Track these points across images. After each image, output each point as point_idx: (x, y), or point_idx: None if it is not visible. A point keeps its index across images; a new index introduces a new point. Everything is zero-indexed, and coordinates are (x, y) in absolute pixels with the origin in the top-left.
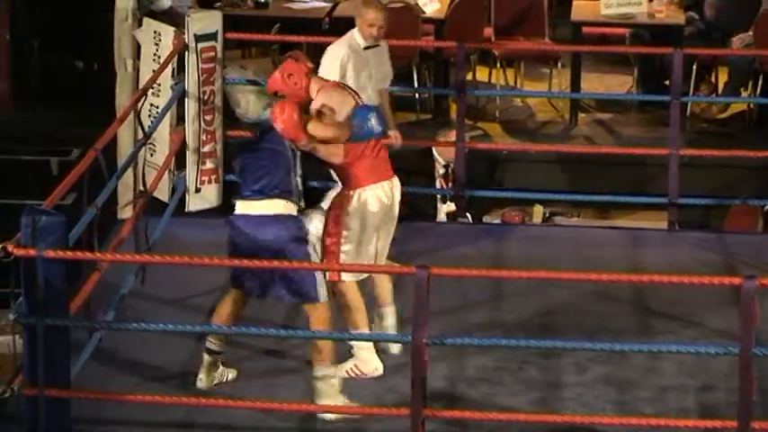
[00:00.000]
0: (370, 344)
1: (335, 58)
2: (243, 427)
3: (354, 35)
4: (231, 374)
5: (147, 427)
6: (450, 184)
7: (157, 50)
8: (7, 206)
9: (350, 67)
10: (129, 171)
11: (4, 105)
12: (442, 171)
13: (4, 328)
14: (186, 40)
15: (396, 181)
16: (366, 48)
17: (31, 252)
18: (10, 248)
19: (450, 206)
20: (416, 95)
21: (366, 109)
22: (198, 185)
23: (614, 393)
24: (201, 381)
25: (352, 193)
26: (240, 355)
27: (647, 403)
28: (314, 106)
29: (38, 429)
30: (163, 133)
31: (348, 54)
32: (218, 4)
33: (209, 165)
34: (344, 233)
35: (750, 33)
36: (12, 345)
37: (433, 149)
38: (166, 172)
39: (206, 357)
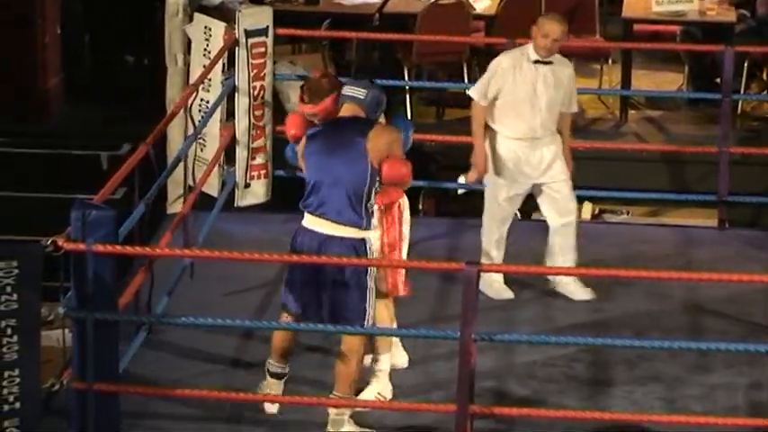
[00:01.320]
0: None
1: (492, 66)
2: (290, 422)
3: (528, 47)
4: None
5: (194, 422)
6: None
7: (208, 46)
8: (58, 200)
9: (508, 77)
10: (179, 166)
11: (55, 101)
12: None
13: (53, 321)
14: (237, 36)
15: None
16: (537, 62)
17: (81, 246)
18: (60, 242)
19: None
20: (466, 92)
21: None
22: (247, 181)
23: (663, 391)
24: (270, 406)
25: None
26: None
27: (696, 401)
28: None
29: (86, 423)
30: (213, 128)
31: (509, 64)
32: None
33: (258, 160)
34: (404, 246)
35: None
36: (61, 338)
37: None
38: (216, 167)
39: (271, 381)
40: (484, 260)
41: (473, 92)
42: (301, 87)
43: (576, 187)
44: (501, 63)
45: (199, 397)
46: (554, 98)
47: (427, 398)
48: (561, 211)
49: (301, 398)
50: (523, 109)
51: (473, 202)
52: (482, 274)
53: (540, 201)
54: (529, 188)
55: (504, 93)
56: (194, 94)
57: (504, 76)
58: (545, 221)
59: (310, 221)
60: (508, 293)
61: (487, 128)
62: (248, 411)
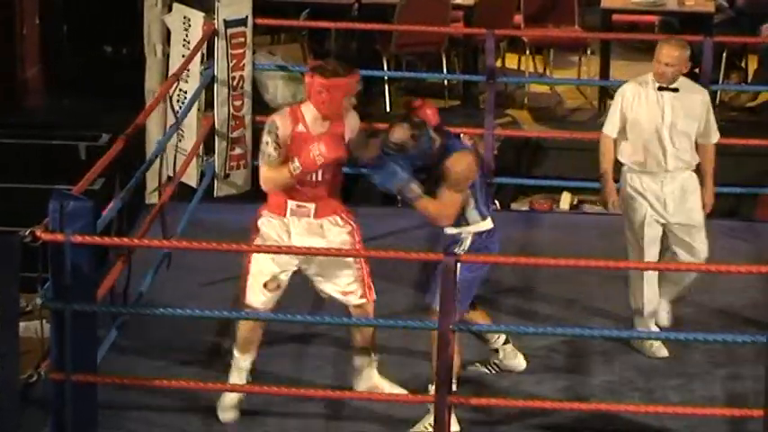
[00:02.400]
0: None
1: (617, 95)
2: (269, 411)
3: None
4: None
5: (172, 412)
6: None
7: (187, 36)
8: (36, 191)
9: (633, 104)
10: (159, 157)
11: (34, 92)
12: None
13: (31, 312)
14: (216, 26)
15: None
16: (661, 88)
17: (59, 237)
18: (38, 233)
19: None
20: (445, 82)
21: None
22: (227, 171)
23: (641, 381)
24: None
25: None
26: (265, 341)
27: (673, 391)
28: None
29: (64, 414)
30: (192, 119)
31: (633, 92)
32: None
33: (237, 150)
34: None
35: None
36: (39, 329)
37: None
38: (195, 157)
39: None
40: (637, 321)
41: (605, 125)
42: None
43: (555, 177)
44: (625, 91)
45: (177, 387)
46: (684, 127)
47: (408, 389)
48: (689, 255)
49: (279, 389)
50: (649, 140)
51: None
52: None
53: (671, 241)
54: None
55: (629, 123)
56: (174, 85)
57: (628, 104)
58: (526, 212)
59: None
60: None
61: (617, 162)
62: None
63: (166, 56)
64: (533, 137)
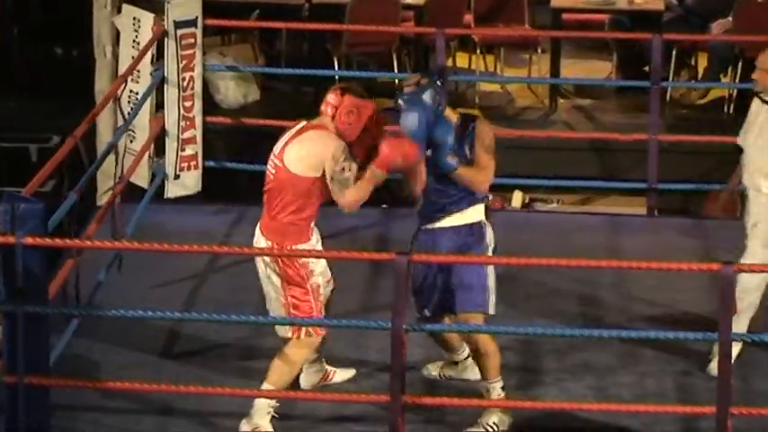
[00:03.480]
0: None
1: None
2: (220, 413)
3: None
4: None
5: (125, 414)
6: None
7: (137, 37)
8: None
9: (752, 118)
10: (109, 158)
11: None
12: None
13: None
14: (165, 27)
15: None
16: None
17: (10, 239)
18: None
19: None
20: (397, 82)
21: None
22: (177, 172)
23: (594, 379)
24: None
25: None
26: (216, 344)
27: (626, 389)
28: None
29: (17, 416)
30: (142, 120)
31: (757, 104)
32: None
33: (188, 151)
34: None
35: (730, 19)
36: None
37: None
38: (146, 158)
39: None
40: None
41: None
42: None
43: (506, 176)
44: (752, 102)
45: (129, 389)
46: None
47: (361, 389)
48: None
49: (232, 389)
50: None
51: (401, 193)
52: None
53: None
54: None
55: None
56: (123, 86)
57: (751, 116)
58: (519, 212)
59: None
60: None
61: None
62: (177, 403)
63: (116, 57)
64: None
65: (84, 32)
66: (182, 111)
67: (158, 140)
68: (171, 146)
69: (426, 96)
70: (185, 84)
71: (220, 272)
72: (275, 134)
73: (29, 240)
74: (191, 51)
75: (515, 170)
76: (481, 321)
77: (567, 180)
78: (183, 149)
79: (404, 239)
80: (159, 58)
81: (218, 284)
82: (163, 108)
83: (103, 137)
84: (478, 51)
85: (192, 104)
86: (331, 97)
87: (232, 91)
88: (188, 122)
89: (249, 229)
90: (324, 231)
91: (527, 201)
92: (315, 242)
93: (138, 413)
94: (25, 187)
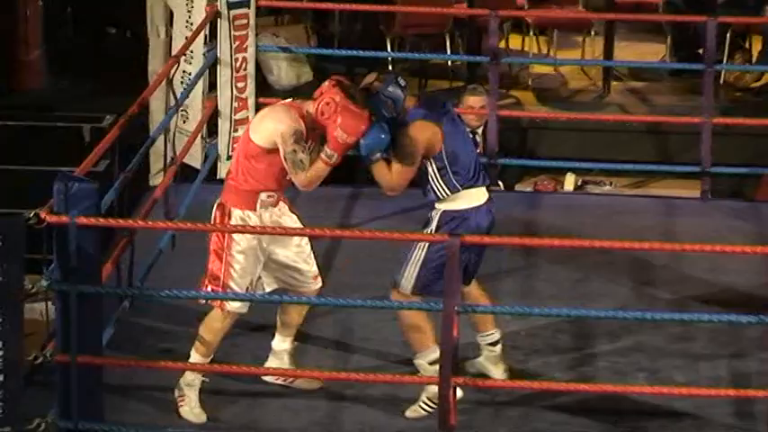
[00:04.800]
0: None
1: None
2: (270, 392)
3: None
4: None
5: None
6: (477, 150)
7: (190, 17)
8: (40, 173)
9: None
10: (161, 138)
11: (37, 74)
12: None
13: (36, 294)
14: (219, 7)
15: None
16: None
17: (64, 219)
18: (43, 215)
19: None
20: (449, 63)
21: None
22: (230, 153)
23: (646, 362)
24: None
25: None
26: (268, 324)
27: (679, 372)
28: None
29: (70, 396)
30: (195, 100)
31: None
32: None
33: (241, 132)
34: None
35: None
36: (44, 311)
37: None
38: (198, 139)
39: None
40: None
41: None
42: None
43: (559, 158)
44: None
45: (181, 369)
46: None
47: (412, 370)
48: None
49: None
50: None
51: None
52: None
53: None
54: None
55: None
56: (176, 66)
57: None
58: (530, 193)
59: (480, 195)
60: None
61: None
62: (228, 383)
63: (169, 37)
64: (537, 117)
65: (137, 13)
66: (234, 91)
67: (211, 121)
68: (223, 126)
69: (381, 106)
70: (238, 64)
71: None
72: None
73: (82, 220)
74: (244, 32)
75: (568, 152)
76: (399, 297)
77: (619, 163)
78: (235, 130)
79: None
80: (212, 38)
81: None
82: (215, 89)
83: (156, 117)
84: (531, 33)
85: (245, 85)
86: (325, 84)
87: (285, 72)
88: (241, 103)
89: (306, 209)
90: (372, 212)
91: (580, 183)
92: (262, 217)
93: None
94: (78, 167)
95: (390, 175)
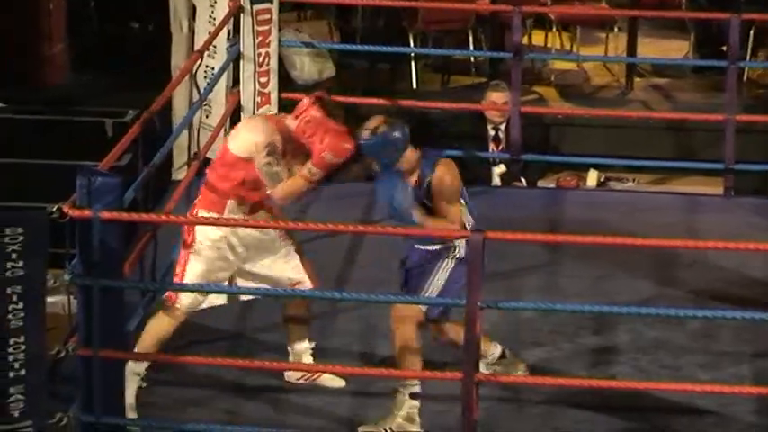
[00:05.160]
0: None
1: None
2: (293, 389)
3: None
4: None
5: (200, 388)
6: (500, 147)
7: (213, 12)
8: (63, 167)
9: None
10: (185, 133)
11: (60, 68)
12: (492, 133)
13: (58, 288)
14: (241, 2)
15: None
16: None
17: (87, 213)
18: (65, 209)
19: (502, 167)
20: (472, 59)
21: None
22: None
23: (669, 359)
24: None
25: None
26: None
27: (701, 369)
28: None
29: (92, 390)
30: (218, 95)
31: None
32: None
33: None
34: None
35: None
36: (66, 305)
37: (485, 112)
38: (221, 133)
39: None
40: None
41: None
42: None
43: (581, 155)
44: None
45: (203, 364)
46: None
47: (435, 366)
48: None
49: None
50: None
51: (476, 171)
52: None
53: None
54: None
55: None
56: (199, 61)
57: None
58: (552, 189)
59: None
60: None
61: None
62: (251, 378)
63: (192, 32)
64: (560, 114)
65: (160, 7)
66: (257, 86)
67: (234, 116)
68: None
69: (388, 157)
70: (261, 59)
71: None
72: (350, 111)
73: (105, 215)
74: (266, 27)
75: (591, 149)
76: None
77: (642, 159)
78: None
79: (477, 217)
80: (235, 33)
81: None
82: (239, 84)
83: (179, 112)
84: (554, 29)
85: (268, 80)
86: (305, 100)
87: (308, 67)
88: (263, 98)
89: (324, 204)
90: None
91: (602, 179)
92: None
93: (212, 388)
94: (101, 161)
95: (448, 222)
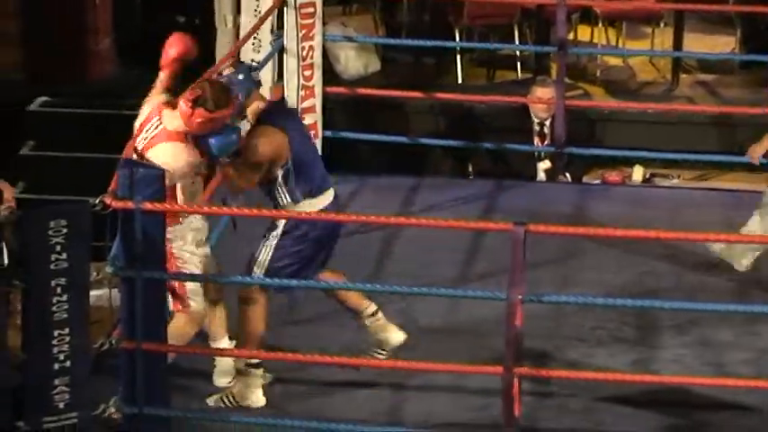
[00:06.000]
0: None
1: None
2: (335, 382)
3: None
4: None
5: None
6: (545, 142)
7: (257, 6)
8: (108, 160)
9: None
10: None
11: (106, 62)
12: (537, 128)
13: (101, 280)
14: None
15: None
16: None
17: (129, 205)
18: (108, 201)
19: (546, 163)
20: (517, 54)
21: None
22: None
23: (712, 355)
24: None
25: None
26: (333, 311)
27: (745, 365)
28: None
29: (136, 382)
30: (262, 89)
31: None
32: None
33: (307, 120)
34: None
35: None
36: (109, 298)
37: (530, 107)
38: None
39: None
40: None
41: None
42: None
43: (627, 150)
44: None
45: (247, 356)
46: None
47: (474, 359)
48: None
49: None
50: None
51: (519, 165)
52: None
53: None
54: None
55: None
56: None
57: None
58: (597, 185)
59: (324, 201)
60: None
61: None
62: (294, 371)
63: (237, 26)
64: (605, 109)
65: (206, 2)
66: (301, 80)
67: None
68: None
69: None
70: (305, 53)
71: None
72: (395, 105)
73: (147, 206)
74: (310, 21)
75: (636, 144)
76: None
77: (688, 155)
78: (302, 118)
79: (521, 211)
80: (279, 27)
81: (337, 253)
82: (283, 78)
83: None
84: (600, 24)
85: (312, 74)
86: (182, 107)
87: (352, 61)
88: (307, 92)
89: (368, 198)
90: (432, 202)
91: (648, 175)
92: (189, 227)
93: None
94: None
95: (237, 179)
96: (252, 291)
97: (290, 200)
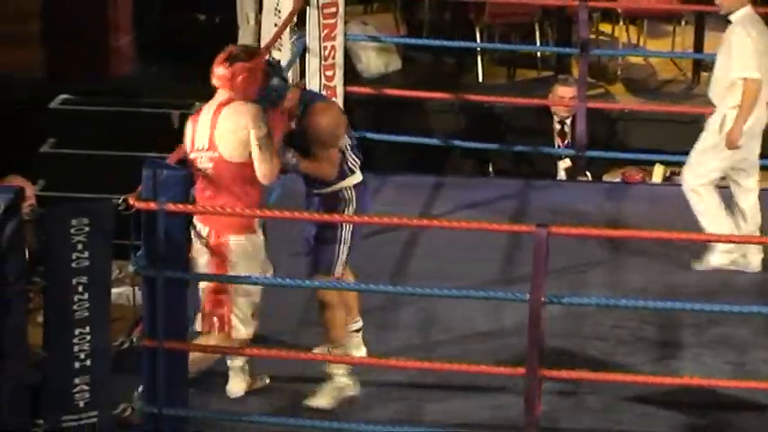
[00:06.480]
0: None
1: (743, 35)
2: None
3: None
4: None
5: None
6: (565, 141)
7: (278, 5)
8: (129, 159)
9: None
10: None
11: (127, 60)
12: (558, 128)
13: (123, 279)
14: None
15: None
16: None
17: (152, 205)
18: (131, 201)
19: (567, 162)
20: (538, 53)
21: None
22: None
23: (733, 355)
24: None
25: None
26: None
27: (766, 365)
28: None
29: (156, 381)
30: None
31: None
32: None
33: None
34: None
35: None
36: (131, 296)
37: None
38: None
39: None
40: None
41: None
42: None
43: (647, 149)
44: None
45: (266, 357)
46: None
47: (496, 360)
48: None
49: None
50: None
51: (540, 164)
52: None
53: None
54: None
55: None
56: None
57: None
58: (618, 184)
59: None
60: None
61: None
62: (314, 371)
63: (259, 24)
64: (626, 108)
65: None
66: (323, 80)
67: None
68: None
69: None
70: (326, 53)
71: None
72: (416, 104)
73: (170, 207)
74: (332, 20)
75: (657, 143)
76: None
77: None
78: None
79: (542, 211)
80: (301, 26)
81: (358, 253)
82: (304, 76)
83: None
84: (621, 23)
85: (333, 74)
86: (220, 71)
87: (373, 61)
88: (329, 91)
89: (389, 197)
90: (455, 202)
91: (668, 174)
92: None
93: (276, 380)
94: (167, 153)
95: (322, 165)
96: (330, 294)
97: (355, 169)
